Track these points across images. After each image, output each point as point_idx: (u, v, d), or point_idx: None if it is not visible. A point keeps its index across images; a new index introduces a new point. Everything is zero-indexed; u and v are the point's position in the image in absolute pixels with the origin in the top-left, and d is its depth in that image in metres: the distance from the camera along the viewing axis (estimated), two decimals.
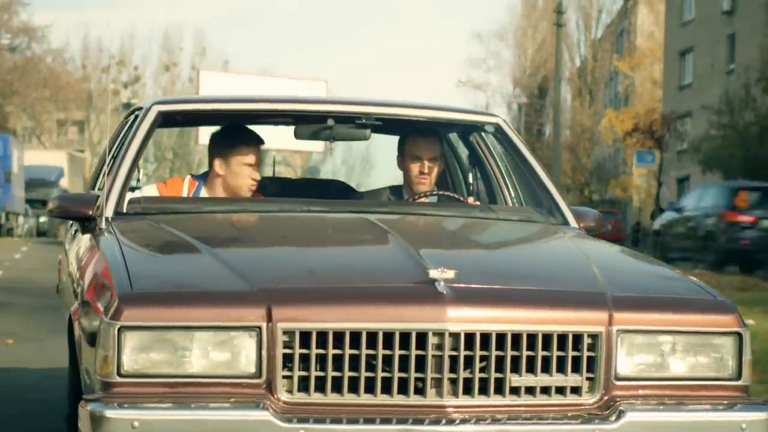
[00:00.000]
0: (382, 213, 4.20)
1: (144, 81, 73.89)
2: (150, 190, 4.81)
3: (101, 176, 5.06)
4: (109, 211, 4.07)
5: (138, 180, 5.38)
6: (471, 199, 4.96)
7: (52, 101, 59.48)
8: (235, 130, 4.82)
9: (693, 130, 41.28)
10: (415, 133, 4.96)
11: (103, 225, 3.93)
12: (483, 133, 5.07)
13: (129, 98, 66.78)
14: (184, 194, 4.75)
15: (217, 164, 4.73)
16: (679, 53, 45.81)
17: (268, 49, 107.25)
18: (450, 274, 3.08)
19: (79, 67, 70.52)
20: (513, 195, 5.07)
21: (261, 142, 4.78)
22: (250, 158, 4.70)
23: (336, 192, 5.39)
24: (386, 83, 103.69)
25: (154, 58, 75.11)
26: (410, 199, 4.84)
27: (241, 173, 4.70)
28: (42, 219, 44.01)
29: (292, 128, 4.98)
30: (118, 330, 3.01)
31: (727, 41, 41.07)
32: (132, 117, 4.87)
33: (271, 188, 5.24)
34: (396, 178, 5.12)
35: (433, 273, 3.09)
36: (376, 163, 65.41)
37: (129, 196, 4.28)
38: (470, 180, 5.29)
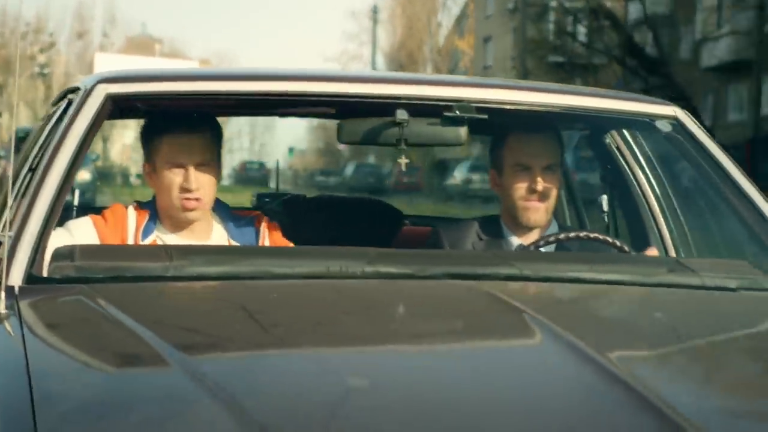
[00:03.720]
0: (502, 277, 2.35)
1: (58, 48, 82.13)
2: (82, 228, 2.82)
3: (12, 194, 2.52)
4: (16, 277, 2.24)
5: (73, 205, 3.29)
6: (652, 250, 3.16)
7: None
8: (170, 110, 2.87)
9: None
10: (519, 130, 3.09)
11: (3, 307, 2.06)
12: (633, 132, 3.35)
13: (42, 65, 75.26)
14: (131, 234, 2.82)
15: (148, 177, 2.88)
16: (483, 40, 56.93)
17: (179, 13, 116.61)
18: None
19: None
20: (690, 239, 3.34)
21: (206, 128, 2.84)
22: (178, 155, 2.78)
23: (377, 220, 3.66)
24: (265, 56, 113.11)
25: (67, 26, 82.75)
26: (532, 246, 2.93)
27: (166, 184, 2.80)
28: None
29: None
30: None
31: (513, 34, 52.05)
32: (64, 104, 2.87)
33: (272, 210, 3.44)
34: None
35: None
36: None
37: (54, 237, 2.48)
38: (604, 207, 3.42)
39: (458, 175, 34.66)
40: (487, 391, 1.65)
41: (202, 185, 2.84)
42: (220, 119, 2.99)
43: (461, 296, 2.23)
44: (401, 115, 2.68)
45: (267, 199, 3.77)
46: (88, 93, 2.63)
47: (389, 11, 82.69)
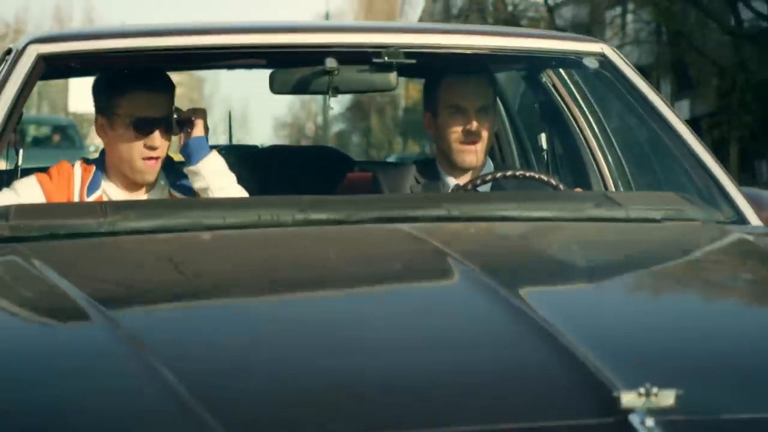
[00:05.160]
0: (431, 218, 2.39)
1: None
2: (27, 187, 2.92)
3: None
4: None
5: (16, 165, 3.25)
6: (576, 189, 3.15)
7: None
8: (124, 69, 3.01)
9: None
10: (452, 73, 3.16)
11: None
12: (569, 71, 3.41)
13: None
14: (76, 190, 2.93)
15: (100, 130, 2.95)
16: None
17: (158, 12, 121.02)
18: (661, 397, 1.43)
19: None
20: (627, 172, 3.41)
21: (164, 86, 2.92)
22: (141, 110, 2.85)
23: (328, 166, 3.77)
24: None
25: (47, 27, 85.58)
26: (468, 186, 2.96)
27: (127, 142, 2.87)
28: None
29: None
30: None
31: None
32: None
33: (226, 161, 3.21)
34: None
35: (628, 398, 1.43)
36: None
37: None
38: (542, 144, 3.47)
39: None
40: (394, 332, 1.73)
41: (164, 143, 2.87)
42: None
43: (386, 240, 2.27)
44: (330, 63, 2.72)
45: (223, 152, 3.61)
46: (20, 54, 2.63)
47: (354, 14, 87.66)
